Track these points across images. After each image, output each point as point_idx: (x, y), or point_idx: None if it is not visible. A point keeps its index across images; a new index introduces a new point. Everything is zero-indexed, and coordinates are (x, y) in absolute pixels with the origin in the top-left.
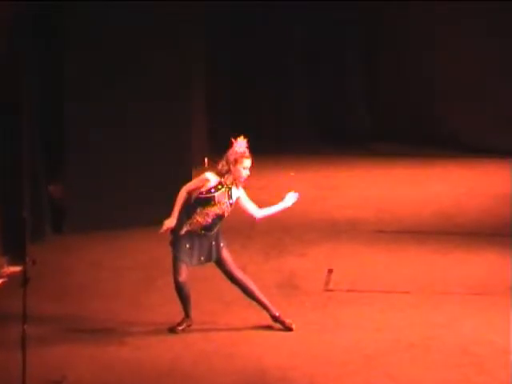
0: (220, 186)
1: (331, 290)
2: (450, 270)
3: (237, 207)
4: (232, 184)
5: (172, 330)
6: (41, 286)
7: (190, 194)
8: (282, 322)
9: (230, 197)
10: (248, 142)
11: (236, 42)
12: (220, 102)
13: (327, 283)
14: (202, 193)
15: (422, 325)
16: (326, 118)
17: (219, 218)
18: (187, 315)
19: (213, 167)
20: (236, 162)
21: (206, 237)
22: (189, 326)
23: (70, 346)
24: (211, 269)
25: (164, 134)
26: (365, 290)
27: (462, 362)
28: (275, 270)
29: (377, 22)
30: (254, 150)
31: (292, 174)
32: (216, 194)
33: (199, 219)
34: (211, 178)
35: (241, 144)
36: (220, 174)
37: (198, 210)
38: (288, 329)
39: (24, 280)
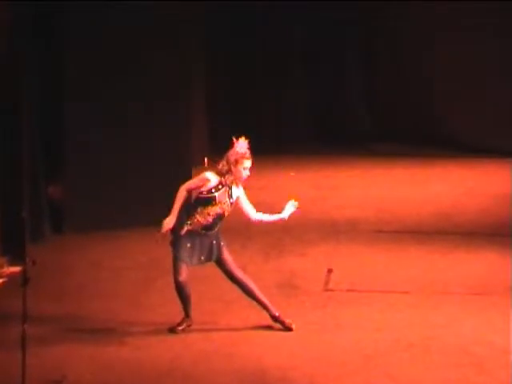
0: (220, 186)
1: (331, 290)
2: (450, 270)
3: (236, 207)
4: (232, 183)
5: (172, 330)
6: (40, 286)
7: (189, 192)
8: (282, 322)
9: (230, 196)
10: (248, 142)
11: (236, 42)
12: (220, 102)
13: (327, 283)
14: (202, 193)
15: (421, 325)
16: (326, 118)
17: (220, 217)
18: (187, 315)
19: (213, 167)
20: (236, 162)
21: (206, 236)
22: (189, 325)
23: (70, 345)
24: (211, 269)
25: (164, 133)
26: (364, 289)
27: (462, 362)
28: (275, 270)
29: (377, 22)
30: (254, 150)
31: (292, 174)
32: (217, 194)
33: (200, 219)
34: (211, 178)
35: (242, 145)
36: (220, 174)
37: (199, 210)
38: (288, 329)
39: (24, 280)
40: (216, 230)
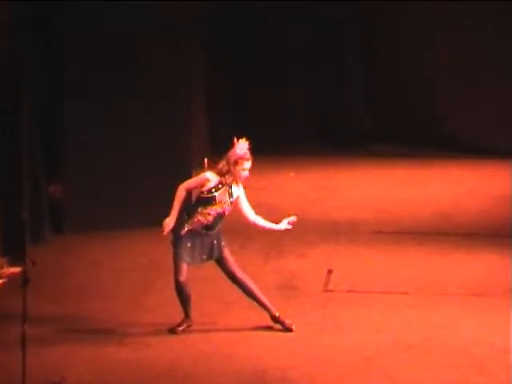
0: (220, 186)
1: (331, 291)
2: (450, 271)
3: (235, 207)
4: (232, 182)
5: (172, 330)
6: (40, 286)
7: (188, 191)
8: (282, 323)
9: (230, 195)
10: (248, 143)
11: (236, 42)
12: (220, 102)
13: (327, 284)
14: (202, 192)
15: (421, 326)
16: (326, 118)
17: (220, 216)
18: (187, 316)
19: (213, 167)
20: (236, 163)
21: (207, 236)
22: (189, 326)
23: (70, 346)
24: (211, 269)
25: (164, 133)
26: (364, 290)
27: (462, 363)
28: (275, 271)
29: (377, 22)
30: (254, 150)
31: (292, 174)
32: (217, 194)
33: (200, 218)
34: (211, 178)
35: (242, 146)
36: (220, 174)
37: (199, 210)
38: (288, 329)
39: (24, 281)
40: (217, 229)
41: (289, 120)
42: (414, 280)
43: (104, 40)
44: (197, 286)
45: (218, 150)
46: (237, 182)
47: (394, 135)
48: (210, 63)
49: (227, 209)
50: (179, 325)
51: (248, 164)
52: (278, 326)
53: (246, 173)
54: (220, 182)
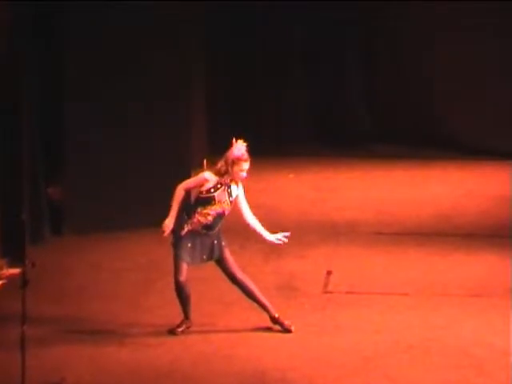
0: (219, 186)
1: (330, 292)
2: (450, 272)
3: (235, 208)
4: (231, 182)
5: (171, 331)
6: (40, 287)
7: (187, 192)
8: (282, 324)
9: (230, 195)
10: (248, 142)
11: (236, 42)
12: (220, 102)
13: (326, 285)
14: (201, 192)
15: (421, 326)
16: (326, 118)
17: (220, 216)
18: (186, 317)
19: (211, 167)
20: (234, 163)
21: (207, 236)
22: (188, 327)
23: (69, 347)
24: (210, 270)
25: (164, 133)
26: (364, 291)
27: (462, 364)
28: (274, 272)
29: (377, 22)
30: (254, 150)
31: (291, 175)
32: (216, 194)
33: (200, 219)
34: (210, 178)
35: (239, 147)
36: (219, 174)
37: (199, 210)
38: (287, 330)
39: (23, 282)
40: (217, 229)
41: (289, 120)
42: (413, 281)
43: (104, 40)
44: (196, 287)
45: (218, 150)
46: (236, 182)
47: (394, 135)
48: (210, 63)
49: (227, 208)
50: (178, 326)
51: (246, 165)
52: (278, 327)
53: (243, 173)
54: (219, 182)
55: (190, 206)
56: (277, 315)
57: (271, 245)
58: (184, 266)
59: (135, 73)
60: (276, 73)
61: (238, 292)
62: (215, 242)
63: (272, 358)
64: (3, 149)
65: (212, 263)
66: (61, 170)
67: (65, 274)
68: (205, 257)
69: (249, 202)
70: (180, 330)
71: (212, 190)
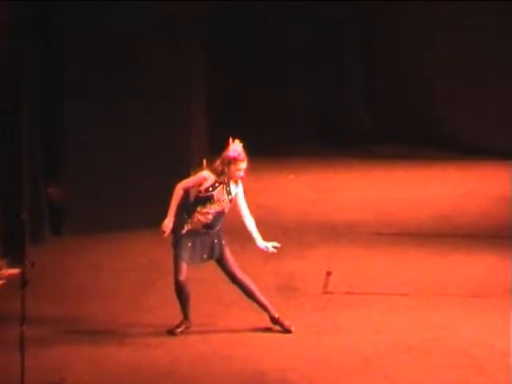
0: (217, 184)
1: (330, 293)
2: (450, 272)
3: (236, 208)
4: (229, 180)
5: (171, 332)
6: (40, 287)
7: (186, 191)
8: (281, 324)
9: (229, 193)
10: (248, 142)
11: (236, 42)
12: (220, 102)
13: (326, 285)
14: (200, 192)
15: (421, 327)
16: (326, 118)
17: (220, 215)
18: (186, 317)
19: (210, 166)
20: (230, 163)
21: (207, 235)
22: (187, 328)
23: (69, 347)
24: (210, 271)
25: (164, 133)
26: (363, 292)
27: (462, 364)
28: (274, 272)
29: (377, 22)
30: (254, 150)
31: (291, 176)
32: (214, 193)
33: (200, 218)
34: (208, 177)
35: (235, 147)
36: (216, 173)
37: (199, 209)
38: (287, 331)
39: (23, 282)
40: (217, 228)
41: (289, 120)
42: (413, 281)
43: (104, 40)
44: (196, 288)
45: (218, 150)
46: (235, 181)
47: (394, 136)
48: (210, 63)
49: (226, 207)
50: (178, 326)
51: (242, 165)
52: (278, 328)
53: (240, 173)
54: (217, 181)
55: (190, 205)
56: (277, 315)
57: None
58: (184, 266)
59: (135, 73)
60: (276, 73)
61: (238, 292)
62: (215, 241)
63: (272, 359)
64: (3, 149)
65: (212, 264)
66: (61, 170)
67: (65, 274)
68: (205, 256)
69: (249, 202)
70: (179, 330)
71: (210, 189)
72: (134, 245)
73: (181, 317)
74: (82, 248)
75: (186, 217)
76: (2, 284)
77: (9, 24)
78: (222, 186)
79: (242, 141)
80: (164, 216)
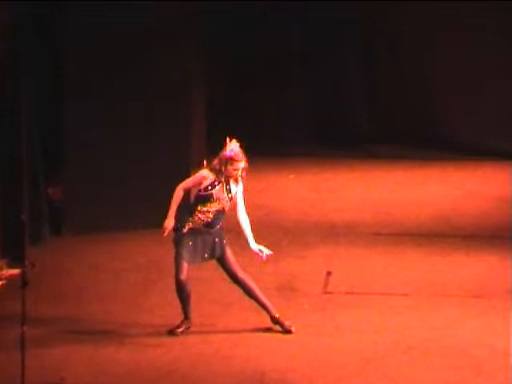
0: (216, 183)
1: (330, 293)
2: (449, 273)
3: (236, 208)
4: (228, 179)
5: (171, 332)
6: (39, 287)
7: (187, 191)
8: (282, 324)
9: (228, 191)
10: (247, 143)
11: (236, 42)
12: (220, 102)
13: (326, 286)
14: (200, 190)
15: (420, 327)
16: (326, 119)
17: (220, 213)
18: (186, 316)
19: (209, 165)
20: (227, 163)
21: (208, 234)
22: (188, 328)
23: (69, 347)
24: (210, 270)
25: (164, 134)
26: (363, 292)
27: (461, 365)
28: (274, 273)
29: (377, 21)
30: (254, 151)
31: (291, 176)
32: (213, 191)
33: (201, 216)
34: (207, 176)
35: (232, 147)
36: (214, 172)
37: (199, 208)
38: (287, 331)
39: (23, 282)
40: (218, 227)
41: (289, 120)
42: (413, 281)
43: (104, 40)
44: (196, 287)
45: (218, 150)
46: (235, 180)
47: (394, 136)
48: (210, 63)
49: (226, 205)
50: (178, 326)
51: (240, 165)
52: (278, 328)
53: (237, 173)
54: (216, 180)
55: (190, 204)
56: (277, 315)
57: (271, 245)
58: (185, 265)
59: (135, 73)
60: (276, 73)
61: (238, 292)
62: (217, 239)
63: (271, 359)
64: (3, 149)
65: (212, 263)
66: (61, 170)
67: (64, 275)
68: (206, 255)
69: (249, 202)
70: (180, 330)
71: (209, 188)
72: (134, 245)
73: (181, 317)
74: (81, 248)
75: (187, 216)
76: (3, 284)
77: (8, 24)
78: (221, 184)
79: (242, 141)
80: (164, 216)
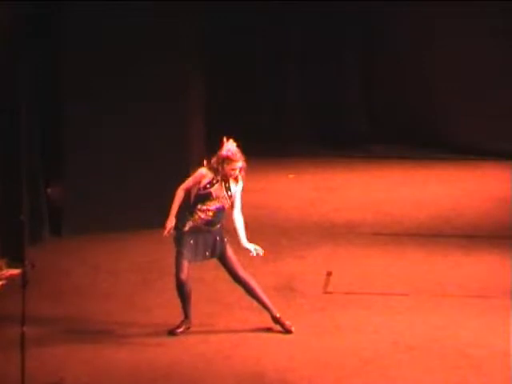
0: (215, 181)
1: (330, 293)
2: (449, 273)
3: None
4: (227, 178)
5: (171, 332)
6: (39, 287)
7: (187, 191)
8: (282, 324)
9: (228, 189)
10: (247, 143)
11: (236, 42)
12: (220, 102)
13: (326, 286)
14: (199, 189)
15: (420, 327)
16: (325, 119)
17: (220, 211)
18: (186, 316)
19: (208, 164)
20: (224, 162)
21: (210, 233)
22: (187, 328)
23: (68, 347)
24: (210, 270)
25: (164, 133)
26: (363, 292)
27: (461, 365)
28: (274, 273)
29: (377, 22)
30: (254, 151)
31: (291, 176)
32: (212, 190)
33: (201, 215)
34: (206, 174)
35: (228, 147)
36: (212, 170)
37: (199, 207)
38: (287, 331)
39: (23, 282)
40: (219, 225)
41: (289, 120)
42: (412, 281)
43: (104, 40)
44: (196, 287)
45: (217, 150)
46: (235, 179)
47: (394, 136)
48: (210, 63)
49: (226, 203)
50: (178, 326)
51: (237, 164)
52: (278, 328)
53: (235, 172)
54: (215, 178)
55: (191, 203)
56: (278, 315)
57: (271, 245)
58: (185, 264)
59: (135, 73)
60: (276, 73)
61: (238, 292)
62: (217, 238)
63: (271, 359)
64: (3, 149)
65: (212, 263)
66: (60, 170)
67: (64, 275)
68: (207, 253)
69: (248, 202)
70: (180, 330)
71: (208, 186)
72: (134, 245)
73: (181, 317)
74: (81, 248)
75: (188, 215)
76: (2, 284)
77: (8, 24)
78: (219, 182)
79: (242, 141)
80: (164, 216)
